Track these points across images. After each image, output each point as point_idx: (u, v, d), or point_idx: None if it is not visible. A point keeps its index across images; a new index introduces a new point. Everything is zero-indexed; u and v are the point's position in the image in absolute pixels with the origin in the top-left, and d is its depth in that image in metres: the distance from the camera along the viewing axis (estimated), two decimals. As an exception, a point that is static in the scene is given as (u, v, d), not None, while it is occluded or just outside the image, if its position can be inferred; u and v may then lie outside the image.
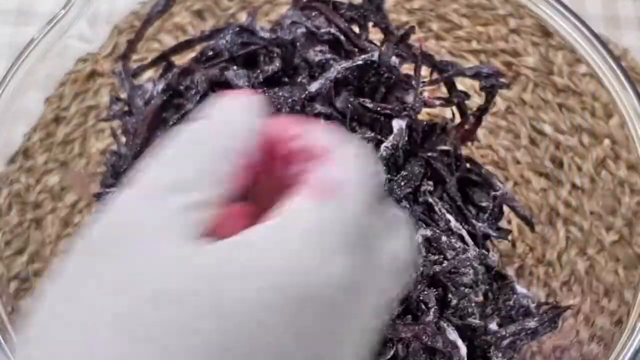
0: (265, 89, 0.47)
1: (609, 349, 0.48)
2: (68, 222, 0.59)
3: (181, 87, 0.51)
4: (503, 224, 0.56)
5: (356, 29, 0.53)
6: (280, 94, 0.47)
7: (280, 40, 0.49)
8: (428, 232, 0.47)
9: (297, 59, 0.49)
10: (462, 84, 0.59)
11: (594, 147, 0.62)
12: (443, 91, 0.56)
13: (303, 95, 0.46)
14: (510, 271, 0.60)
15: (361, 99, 0.48)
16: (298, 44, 0.49)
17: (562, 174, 0.62)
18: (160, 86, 0.51)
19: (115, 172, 0.53)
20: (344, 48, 0.50)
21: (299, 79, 0.48)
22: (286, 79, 0.49)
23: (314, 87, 0.47)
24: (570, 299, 0.57)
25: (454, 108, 0.56)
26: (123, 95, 0.55)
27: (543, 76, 0.64)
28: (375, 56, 0.48)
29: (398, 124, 0.47)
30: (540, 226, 0.61)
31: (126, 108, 0.54)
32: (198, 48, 0.53)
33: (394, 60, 0.49)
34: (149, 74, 0.56)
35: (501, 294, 0.50)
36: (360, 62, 0.48)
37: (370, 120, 0.48)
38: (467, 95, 0.55)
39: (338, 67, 0.47)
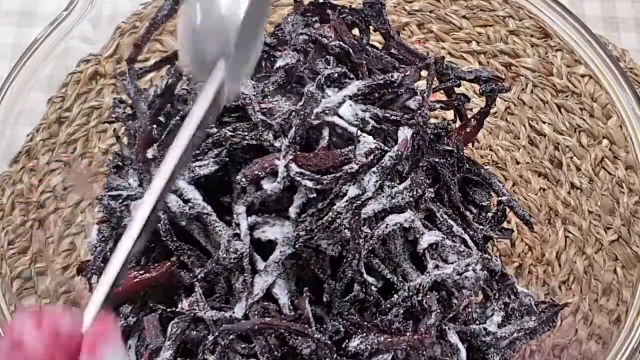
0: (272, 99, 0.47)
1: (608, 348, 0.48)
2: (71, 222, 0.60)
3: (184, 91, 0.51)
4: (502, 223, 0.56)
5: (356, 32, 0.53)
6: (287, 105, 0.46)
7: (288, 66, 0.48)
8: (433, 238, 0.47)
9: (302, 68, 0.48)
10: (461, 84, 0.60)
11: (593, 148, 0.62)
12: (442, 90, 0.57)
13: (317, 110, 0.45)
14: (509, 270, 0.60)
15: (368, 107, 0.48)
16: (303, 59, 0.48)
17: (561, 174, 0.62)
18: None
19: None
20: (351, 61, 0.50)
21: (305, 89, 0.47)
22: (290, 87, 0.48)
23: (331, 102, 0.46)
24: (569, 298, 0.58)
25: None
26: (124, 97, 0.55)
27: (542, 77, 0.65)
28: (396, 77, 0.48)
29: (403, 134, 0.47)
30: (539, 226, 0.62)
31: (129, 111, 0.54)
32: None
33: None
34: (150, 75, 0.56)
35: (502, 294, 0.50)
36: (380, 82, 0.47)
37: (376, 128, 0.47)
38: (466, 98, 0.55)
39: (359, 85, 0.47)
